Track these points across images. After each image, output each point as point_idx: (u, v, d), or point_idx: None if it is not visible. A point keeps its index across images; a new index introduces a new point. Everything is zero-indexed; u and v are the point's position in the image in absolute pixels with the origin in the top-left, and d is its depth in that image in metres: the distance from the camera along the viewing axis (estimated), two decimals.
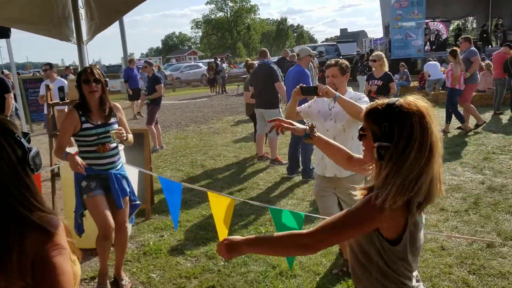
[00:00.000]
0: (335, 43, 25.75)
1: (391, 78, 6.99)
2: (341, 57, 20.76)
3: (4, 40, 5.94)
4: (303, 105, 3.65)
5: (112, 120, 3.49)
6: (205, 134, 10.91)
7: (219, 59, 25.25)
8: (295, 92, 3.33)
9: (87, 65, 4.13)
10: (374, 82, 6.93)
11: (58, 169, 5.05)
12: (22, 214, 1.34)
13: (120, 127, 3.45)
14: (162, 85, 9.24)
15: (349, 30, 72.39)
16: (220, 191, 5.95)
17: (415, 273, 1.71)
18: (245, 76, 8.87)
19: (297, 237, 1.63)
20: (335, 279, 3.62)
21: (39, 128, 13.28)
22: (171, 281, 3.75)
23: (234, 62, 46.69)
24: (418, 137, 1.49)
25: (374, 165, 1.65)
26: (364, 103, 3.24)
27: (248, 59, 9.67)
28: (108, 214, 3.45)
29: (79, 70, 3.76)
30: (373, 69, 7.07)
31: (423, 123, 1.50)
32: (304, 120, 3.88)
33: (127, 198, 3.61)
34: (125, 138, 3.44)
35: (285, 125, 2.27)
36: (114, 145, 3.51)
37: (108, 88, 3.54)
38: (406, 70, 16.00)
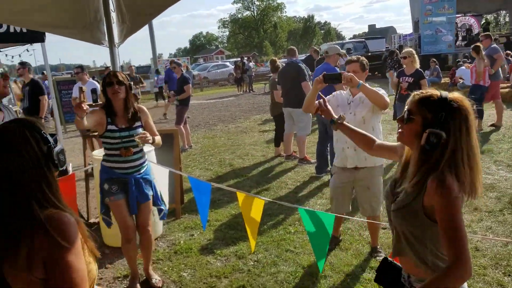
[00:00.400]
0: (363, 39, 25.40)
1: (422, 75, 6.85)
2: (369, 54, 20.64)
3: (39, 43, 6.11)
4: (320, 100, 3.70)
5: (137, 124, 3.51)
6: (233, 133, 10.97)
7: (245, 58, 25.32)
8: (317, 81, 3.32)
9: (119, 67, 4.23)
10: (405, 79, 6.81)
11: (92, 169, 5.17)
12: (35, 210, 1.36)
13: (144, 132, 3.44)
14: (191, 85, 9.33)
15: (377, 26, 71.41)
16: (248, 191, 5.98)
17: None
18: (271, 75, 8.82)
19: (452, 277, 1.56)
20: (366, 280, 3.59)
21: (72, 128, 13.62)
22: (202, 280, 3.79)
23: (261, 61, 46.68)
24: (465, 132, 1.64)
25: (415, 150, 1.74)
26: (385, 96, 3.50)
27: (274, 57, 9.63)
28: (129, 218, 3.52)
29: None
30: (404, 65, 6.95)
31: (468, 120, 1.65)
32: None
33: (150, 202, 3.60)
34: (150, 141, 3.42)
35: (324, 107, 2.31)
36: (138, 149, 3.52)
37: (132, 92, 3.57)
38: (437, 66, 15.64)
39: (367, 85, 3.47)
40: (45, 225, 1.34)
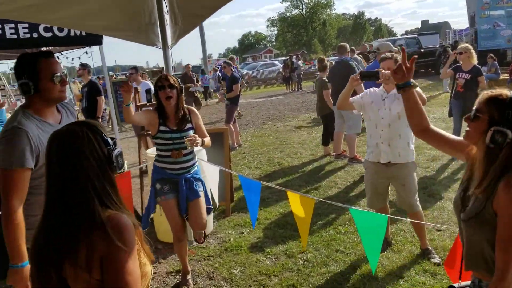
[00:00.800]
0: (416, 35, 24.56)
1: (480, 72, 6.56)
2: (422, 50, 19.96)
3: (97, 46, 6.38)
4: (355, 97, 3.84)
5: (188, 125, 3.56)
6: (282, 132, 10.96)
7: (294, 57, 25.20)
8: (353, 78, 3.43)
9: (171, 67, 4.33)
10: (461, 75, 6.55)
11: (146, 167, 5.34)
12: (97, 211, 1.39)
13: (193, 134, 3.47)
14: (239, 84, 9.42)
15: (430, 22, 68.92)
16: (297, 190, 5.96)
17: None
18: (319, 73, 8.70)
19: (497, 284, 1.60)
20: (419, 283, 3.48)
21: (127, 128, 14.13)
22: (252, 278, 3.82)
23: (310, 59, 46.33)
24: None
25: (480, 150, 1.72)
26: (420, 93, 3.36)
27: (322, 56, 9.51)
28: (179, 217, 3.60)
29: (164, 72, 3.97)
30: (460, 62, 6.68)
31: None
32: (354, 111, 4.02)
33: (200, 199, 3.62)
34: (199, 144, 3.45)
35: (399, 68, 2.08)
36: (188, 151, 3.57)
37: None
38: (495, 62, 14.87)
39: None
40: (105, 226, 1.37)
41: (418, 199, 3.87)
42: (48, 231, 1.41)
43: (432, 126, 2.09)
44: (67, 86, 2.42)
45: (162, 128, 3.49)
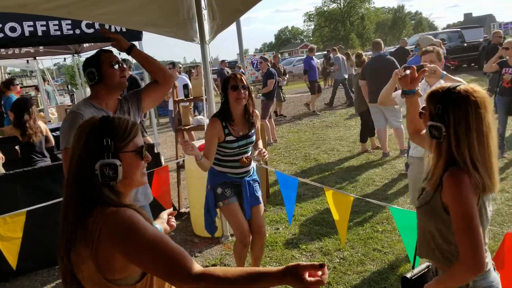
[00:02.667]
0: (458, 29, 23.71)
1: None
2: (465, 44, 19.25)
3: (136, 41, 6.50)
4: (397, 92, 3.77)
5: (253, 130, 3.39)
6: (318, 127, 10.86)
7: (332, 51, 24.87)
8: (397, 73, 3.27)
9: (209, 63, 4.36)
10: (508, 70, 6.28)
11: (183, 161, 5.41)
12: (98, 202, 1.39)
13: (263, 150, 3.37)
14: (274, 80, 9.36)
15: (474, 15, 66.49)
16: (334, 186, 5.89)
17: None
18: (356, 69, 8.51)
19: (460, 274, 1.66)
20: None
21: (164, 121, 14.37)
22: None
23: (346, 54, 45.62)
24: (474, 124, 1.62)
25: (430, 144, 1.77)
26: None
27: (360, 51, 9.31)
28: (244, 221, 3.40)
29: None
30: (506, 57, 6.40)
31: (478, 112, 1.63)
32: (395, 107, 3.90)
33: (261, 204, 3.50)
34: (267, 158, 3.37)
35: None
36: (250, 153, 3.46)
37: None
38: None
39: (451, 76, 3.44)
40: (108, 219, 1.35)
41: None
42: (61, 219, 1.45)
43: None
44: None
45: (228, 137, 3.25)
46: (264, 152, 3.33)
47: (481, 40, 21.61)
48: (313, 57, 13.71)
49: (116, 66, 2.61)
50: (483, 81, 14.82)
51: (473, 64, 19.95)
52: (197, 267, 1.35)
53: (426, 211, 1.79)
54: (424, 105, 1.82)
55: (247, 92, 3.24)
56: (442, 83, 1.81)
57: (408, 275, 1.97)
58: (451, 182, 1.64)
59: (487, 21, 44.35)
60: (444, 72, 3.41)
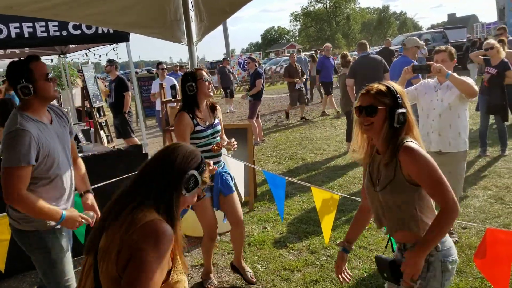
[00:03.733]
0: (442, 29, 24.05)
1: (507, 66, 6.42)
2: (449, 45, 19.55)
3: (123, 42, 6.49)
4: (410, 88, 3.98)
5: (216, 120, 3.60)
6: (305, 127, 10.94)
7: (319, 52, 25.01)
8: (406, 71, 3.72)
9: (196, 64, 4.38)
10: (489, 69, 6.44)
11: None
12: (137, 209, 1.51)
13: (232, 140, 3.57)
14: (262, 80, 9.41)
15: (457, 15, 67.39)
16: (320, 185, 5.96)
17: None
18: (342, 69, 8.58)
19: (448, 218, 1.92)
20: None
21: (151, 122, 14.33)
22: (275, 273, 3.86)
23: (333, 54, 45.90)
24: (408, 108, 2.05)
25: (380, 134, 2.04)
26: (474, 85, 3.54)
27: (345, 52, 9.42)
28: (213, 216, 3.55)
29: (190, 69, 4.02)
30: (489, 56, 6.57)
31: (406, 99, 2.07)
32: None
33: (235, 193, 3.62)
34: (235, 147, 3.56)
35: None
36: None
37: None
38: None
39: (455, 74, 3.58)
40: (143, 224, 1.46)
41: (461, 191, 3.98)
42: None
43: (362, 208, 2.56)
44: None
45: (198, 127, 3.43)
46: (233, 142, 3.50)
47: (465, 40, 21.97)
48: (330, 57, 12.87)
49: (51, 79, 2.54)
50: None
51: (457, 64, 20.23)
52: None
53: (391, 190, 2.03)
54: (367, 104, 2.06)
55: (211, 85, 3.50)
56: (373, 85, 2.10)
57: (383, 256, 2.25)
58: (411, 155, 1.95)
59: (471, 22, 45.00)
60: (449, 72, 3.55)
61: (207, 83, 3.44)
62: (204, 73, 3.46)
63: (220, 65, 18.24)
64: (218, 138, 3.60)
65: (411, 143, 1.99)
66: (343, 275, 2.44)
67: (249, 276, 3.76)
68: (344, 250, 2.45)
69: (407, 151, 1.95)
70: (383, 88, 2.05)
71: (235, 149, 3.51)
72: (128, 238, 1.44)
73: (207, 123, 3.51)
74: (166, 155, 1.66)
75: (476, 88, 3.57)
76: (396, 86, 2.07)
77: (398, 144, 2.00)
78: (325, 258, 4.03)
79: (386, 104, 2.02)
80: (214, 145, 3.49)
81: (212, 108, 3.60)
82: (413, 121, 2.07)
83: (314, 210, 4.94)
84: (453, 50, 3.92)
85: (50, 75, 2.54)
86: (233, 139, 3.61)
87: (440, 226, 1.93)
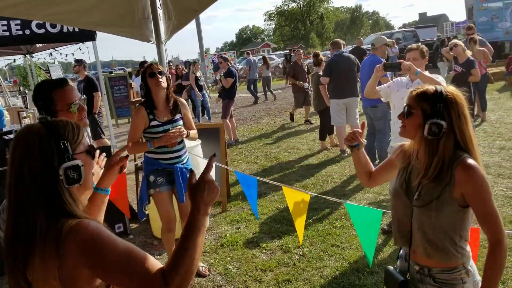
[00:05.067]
0: (413, 28, 24.46)
1: (473, 64, 6.58)
2: (420, 43, 19.92)
3: (90, 41, 6.35)
4: (382, 85, 4.07)
5: (177, 116, 3.56)
6: (279, 126, 10.95)
7: (293, 51, 25.12)
8: (377, 69, 3.79)
9: (166, 62, 4.31)
10: (455, 67, 6.59)
11: (141, 163, 5.32)
12: (39, 221, 1.27)
13: (179, 127, 3.49)
14: (233, 79, 9.33)
15: (428, 14, 68.74)
16: (294, 184, 5.97)
17: None
18: (314, 68, 8.59)
19: (503, 251, 1.75)
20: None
21: (123, 123, 14.09)
22: (247, 273, 3.83)
23: (307, 53, 46.18)
24: (463, 118, 1.80)
25: (419, 142, 1.86)
26: (443, 82, 3.56)
27: (317, 51, 9.44)
28: (171, 209, 3.62)
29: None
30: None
31: (464, 108, 1.81)
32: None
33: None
34: (185, 135, 3.50)
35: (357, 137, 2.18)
36: (180, 139, 3.57)
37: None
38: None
39: (424, 72, 3.67)
40: (68, 238, 1.24)
41: None
42: (5, 241, 1.32)
43: (373, 169, 2.25)
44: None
45: (153, 122, 3.45)
46: (181, 129, 3.44)
47: (435, 39, 22.42)
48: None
49: (75, 109, 2.24)
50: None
51: (427, 63, 20.61)
52: (168, 273, 1.25)
53: (437, 208, 1.80)
54: (408, 103, 1.88)
55: (164, 78, 3.43)
56: (422, 85, 1.91)
57: (391, 268, 2.02)
58: (470, 173, 1.74)
59: (441, 21, 45.91)
60: (418, 70, 3.65)
61: (154, 79, 3.38)
62: (154, 69, 3.41)
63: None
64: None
65: (472, 160, 1.77)
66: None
67: (201, 270, 3.83)
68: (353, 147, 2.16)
69: (468, 168, 1.75)
70: (429, 91, 1.84)
71: (183, 135, 3.45)
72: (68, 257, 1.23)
73: (166, 119, 3.48)
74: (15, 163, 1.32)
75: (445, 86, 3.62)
76: (452, 93, 1.82)
77: (455, 159, 1.78)
78: (297, 258, 4.02)
79: (423, 110, 1.82)
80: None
81: (175, 104, 3.55)
82: (471, 136, 1.83)
83: (287, 210, 4.94)
84: (425, 48, 3.99)
85: (75, 105, 2.23)
86: (181, 127, 3.51)
87: (500, 264, 1.75)
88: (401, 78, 4.06)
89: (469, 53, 6.60)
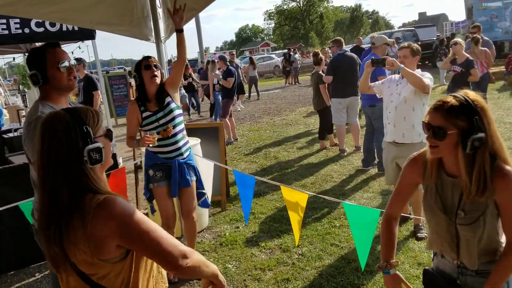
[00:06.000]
0: (413, 28, 24.44)
1: (472, 64, 6.57)
2: (419, 43, 19.90)
3: (89, 40, 6.35)
4: (377, 82, 4.28)
5: (167, 100, 3.50)
6: (278, 125, 10.95)
7: (292, 50, 25.12)
8: (367, 64, 4.05)
9: (165, 61, 4.31)
10: (454, 67, 6.59)
11: (141, 162, 5.32)
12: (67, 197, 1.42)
13: (167, 126, 3.45)
14: (233, 78, 9.34)
15: (428, 14, 68.70)
16: (293, 183, 5.97)
17: None
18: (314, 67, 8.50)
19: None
20: (413, 277, 3.49)
21: (122, 122, 14.08)
22: (247, 272, 3.83)
23: (307, 52, 46.19)
24: (492, 124, 1.75)
25: (454, 157, 1.76)
26: (427, 79, 3.77)
27: (317, 50, 9.40)
28: (171, 205, 3.62)
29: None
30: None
31: (489, 113, 1.76)
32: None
33: (191, 188, 3.64)
34: (170, 132, 3.47)
35: None
36: (178, 128, 3.54)
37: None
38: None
39: (407, 69, 3.82)
40: (99, 209, 1.41)
41: None
42: (40, 214, 1.50)
43: (394, 214, 2.15)
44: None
45: (145, 114, 3.47)
46: (169, 128, 3.45)
47: (434, 38, 22.40)
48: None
49: (63, 67, 2.39)
50: (437, 78, 15.40)
51: (427, 62, 20.63)
52: (187, 255, 1.49)
53: (483, 222, 1.78)
54: (427, 121, 1.79)
55: (159, 71, 3.47)
56: (445, 99, 1.78)
57: (429, 268, 2.02)
58: (508, 182, 1.71)
59: (441, 20, 45.89)
60: (401, 65, 3.84)
61: (150, 71, 3.41)
62: (150, 62, 3.44)
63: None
64: (176, 119, 3.51)
65: (508, 167, 1.73)
66: None
67: None
68: (387, 272, 2.08)
69: (507, 176, 1.71)
70: (457, 103, 1.72)
71: (169, 133, 3.44)
72: (94, 228, 1.40)
73: (157, 109, 3.48)
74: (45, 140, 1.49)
75: (429, 82, 3.79)
76: (477, 100, 1.74)
77: (493, 168, 1.73)
78: (296, 257, 4.02)
79: (459, 127, 1.71)
80: (162, 130, 3.45)
81: (162, 90, 3.50)
82: (501, 140, 1.80)
83: (286, 209, 4.92)
84: (416, 46, 4.10)
85: (64, 64, 2.38)
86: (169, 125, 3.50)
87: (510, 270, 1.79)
88: (395, 76, 4.19)
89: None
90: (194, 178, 3.68)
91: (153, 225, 1.47)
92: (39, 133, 1.49)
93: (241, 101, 15.15)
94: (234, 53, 18.11)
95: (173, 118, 3.51)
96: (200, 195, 3.81)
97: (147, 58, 3.50)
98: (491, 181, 1.71)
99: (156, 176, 3.55)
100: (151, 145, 3.39)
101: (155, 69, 3.43)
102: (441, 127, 1.72)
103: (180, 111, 3.63)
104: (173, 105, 3.53)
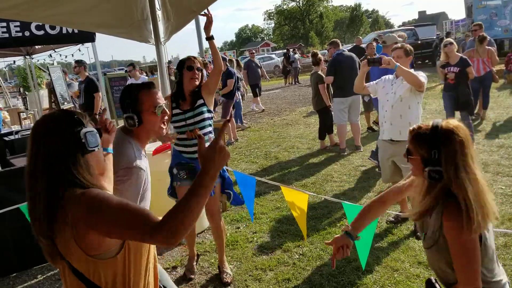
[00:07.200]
0: (412, 27, 24.42)
1: (467, 63, 6.55)
2: (419, 42, 19.89)
3: (90, 43, 6.37)
4: (372, 82, 4.35)
5: (199, 102, 3.49)
6: (278, 126, 10.97)
7: (291, 50, 25.12)
8: (363, 64, 4.11)
9: (165, 63, 4.32)
10: (450, 69, 6.56)
11: None
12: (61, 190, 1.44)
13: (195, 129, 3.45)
14: (234, 80, 9.35)
15: (428, 13, 68.78)
16: (293, 184, 5.98)
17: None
18: (313, 67, 8.51)
19: None
20: (414, 276, 3.51)
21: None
22: (248, 273, 3.84)
23: (307, 52, 46.16)
24: (461, 159, 1.68)
25: (423, 183, 1.80)
26: (422, 77, 3.82)
27: (315, 50, 9.42)
28: None
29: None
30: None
31: (463, 146, 1.69)
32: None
33: (215, 189, 3.63)
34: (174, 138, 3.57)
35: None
36: (205, 131, 3.52)
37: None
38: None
39: (403, 67, 3.91)
40: (79, 201, 1.41)
41: None
42: (30, 208, 1.51)
43: (383, 199, 2.18)
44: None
45: (175, 111, 3.50)
46: (196, 130, 3.48)
47: (434, 37, 22.38)
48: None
49: (159, 111, 2.33)
50: (436, 77, 15.38)
51: (427, 61, 20.62)
52: (157, 218, 1.39)
53: (437, 250, 1.79)
54: (407, 145, 1.83)
55: (200, 74, 3.49)
56: (420, 124, 1.82)
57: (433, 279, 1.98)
58: (450, 222, 1.68)
59: (440, 19, 45.89)
60: (397, 64, 3.92)
61: (191, 72, 3.44)
62: (193, 63, 3.46)
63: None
64: (204, 122, 3.50)
65: (458, 210, 1.66)
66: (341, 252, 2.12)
67: (223, 276, 3.75)
68: (347, 233, 2.14)
69: (450, 216, 1.68)
70: (424, 131, 1.76)
71: (195, 134, 3.44)
72: (75, 218, 1.40)
73: (188, 108, 3.49)
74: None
75: (424, 80, 3.83)
76: (451, 132, 1.71)
77: (444, 207, 1.71)
78: (297, 257, 4.04)
79: (421, 155, 1.76)
80: (188, 130, 3.47)
81: (195, 91, 3.51)
82: (482, 185, 1.71)
83: (287, 209, 4.96)
84: (409, 47, 4.26)
85: (159, 107, 2.34)
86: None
87: None
88: (390, 76, 4.26)
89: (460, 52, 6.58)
90: (218, 180, 3.62)
91: (118, 200, 1.43)
92: (32, 130, 1.54)
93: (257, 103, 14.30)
94: (253, 52, 17.78)
95: (201, 121, 3.52)
96: (228, 196, 3.80)
97: (191, 58, 3.52)
98: (441, 215, 1.72)
99: (179, 175, 3.60)
100: (173, 143, 3.46)
101: (197, 72, 3.46)
102: (409, 150, 1.83)
103: (211, 115, 3.61)
104: (204, 108, 3.52)
